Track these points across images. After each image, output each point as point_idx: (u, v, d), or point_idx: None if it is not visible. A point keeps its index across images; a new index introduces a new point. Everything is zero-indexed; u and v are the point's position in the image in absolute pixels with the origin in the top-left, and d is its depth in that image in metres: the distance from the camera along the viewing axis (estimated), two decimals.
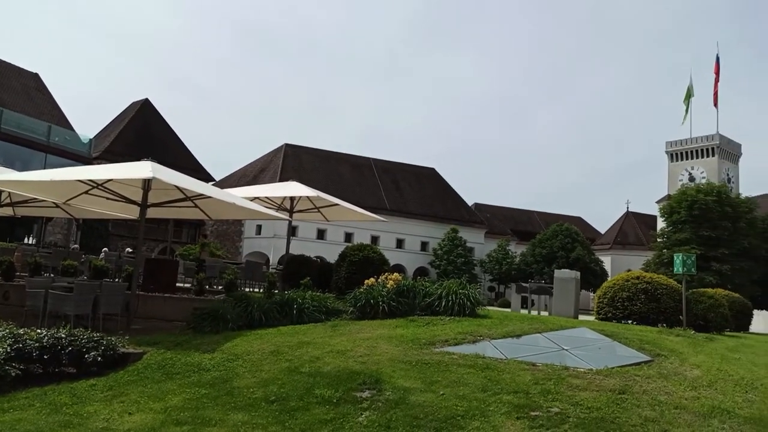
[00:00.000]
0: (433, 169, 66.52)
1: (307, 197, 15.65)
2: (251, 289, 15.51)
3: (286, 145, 58.29)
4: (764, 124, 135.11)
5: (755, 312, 41.88)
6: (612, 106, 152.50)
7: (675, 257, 14.11)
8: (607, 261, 59.85)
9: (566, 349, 8.99)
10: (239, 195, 13.93)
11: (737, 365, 8.73)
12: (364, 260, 14.00)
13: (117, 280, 14.51)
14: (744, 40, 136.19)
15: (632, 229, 66.97)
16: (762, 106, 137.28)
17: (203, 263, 17.22)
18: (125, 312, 11.03)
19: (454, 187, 65.66)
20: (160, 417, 6.31)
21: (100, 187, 11.41)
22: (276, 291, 13.26)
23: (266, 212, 13.25)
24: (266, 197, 15.67)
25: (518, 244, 62.74)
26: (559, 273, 16.72)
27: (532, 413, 5.99)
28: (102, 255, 19.68)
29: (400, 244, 57.50)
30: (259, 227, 52.10)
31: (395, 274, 12.17)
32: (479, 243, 60.64)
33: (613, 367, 7.82)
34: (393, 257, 51.30)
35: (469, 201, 67.35)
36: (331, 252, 28.06)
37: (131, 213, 12.94)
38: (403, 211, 57.80)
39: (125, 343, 8.63)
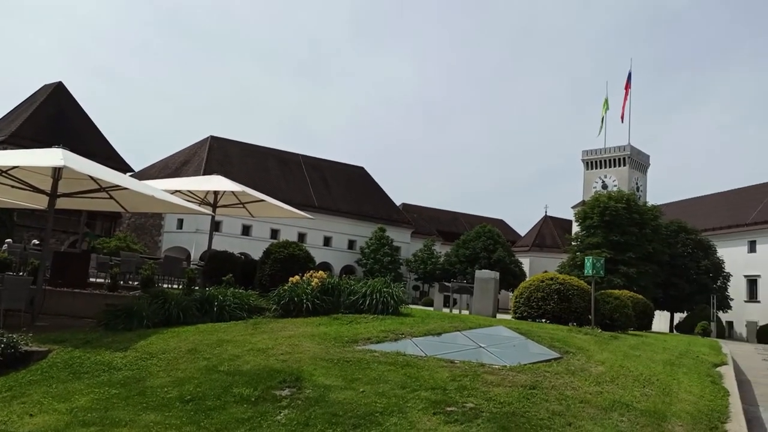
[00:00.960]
0: (362, 168, 66.79)
1: (232, 192, 15.30)
2: (169, 286, 14.96)
3: (212, 137, 56.63)
4: (670, 138, 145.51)
5: (657, 312, 45.00)
6: (536, 113, 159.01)
7: (586, 260, 14.97)
8: (526, 262, 62.43)
9: (483, 347, 9.33)
10: (159, 187, 13.41)
11: (637, 362, 9.38)
12: (289, 257, 13.88)
13: (22, 273, 13.57)
14: (656, 59, 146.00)
15: (550, 233, 70.21)
16: (667, 120, 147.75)
17: (110, 258, 16.44)
18: (30, 308, 10.35)
19: (382, 187, 66.26)
20: (64, 418, 5.98)
21: (4, 174, 10.64)
22: (196, 288, 12.88)
23: (188, 206, 12.84)
24: (188, 191, 15.18)
25: (443, 244, 64.16)
26: (479, 273, 17.29)
27: (448, 408, 6.18)
28: (5, 247, 18.31)
29: (327, 241, 57.32)
30: (181, 221, 50.31)
31: (320, 272, 12.14)
32: (406, 242, 61.52)
33: (525, 364, 8.20)
34: (320, 255, 51.07)
35: (397, 201, 68.20)
36: (256, 249, 27.53)
37: (39, 203, 12.14)
38: (331, 208, 57.64)
39: (28, 340, 8.10)
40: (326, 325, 9.96)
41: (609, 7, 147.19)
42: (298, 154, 62.12)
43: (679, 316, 44.89)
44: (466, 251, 54.78)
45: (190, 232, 48.78)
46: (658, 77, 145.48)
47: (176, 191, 14.36)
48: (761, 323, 43.76)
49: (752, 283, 49.04)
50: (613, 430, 6.02)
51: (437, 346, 9.19)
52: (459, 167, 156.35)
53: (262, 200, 15.63)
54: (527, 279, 20.38)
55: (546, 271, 19.96)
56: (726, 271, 44.12)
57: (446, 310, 18.62)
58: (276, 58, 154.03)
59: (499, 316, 16.53)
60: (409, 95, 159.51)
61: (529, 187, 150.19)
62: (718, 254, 44.27)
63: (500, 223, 76.38)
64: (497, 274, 17.45)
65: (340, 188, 61.31)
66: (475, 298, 17.15)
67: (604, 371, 8.27)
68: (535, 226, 73.40)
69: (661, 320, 47.62)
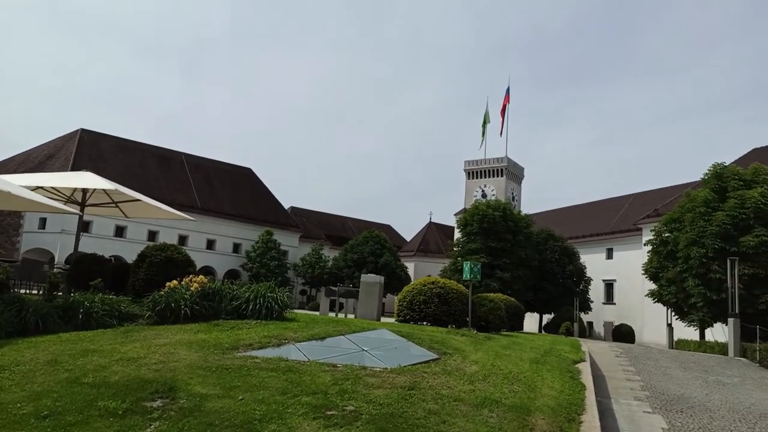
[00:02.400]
0: (249, 170, 65.09)
1: (104, 190, 14.23)
2: (28, 291, 13.57)
3: (83, 130, 52.24)
4: (542, 151, 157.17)
5: (528, 314, 48.29)
6: (424, 123, 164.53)
7: (464, 265, 15.73)
8: (411, 267, 64.34)
9: (366, 350, 9.47)
10: (18, 182, 12.13)
11: (507, 360, 10.02)
12: (166, 261, 13.18)
13: None
14: (532, 76, 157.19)
15: (434, 238, 72.92)
16: (540, 135, 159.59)
17: None
18: None
19: (270, 190, 64.99)
20: None
21: None
22: (59, 293, 11.80)
23: (50, 204, 11.73)
24: (53, 187, 13.88)
25: (332, 248, 64.26)
26: (365, 277, 17.54)
27: (329, 412, 6.20)
28: None
29: (210, 245, 55.11)
30: (44, 221, 45.89)
31: (201, 276, 11.66)
32: (293, 246, 60.79)
33: (405, 366, 8.45)
34: (202, 259, 49.00)
35: (286, 204, 67.27)
36: (131, 251, 25.78)
37: None
38: (215, 210, 55.53)
39: None
40: (205, 332, 9.58)
41: (489, 25, 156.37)
42: (180, 153, 59.18)
43: (547, 317, 48.54)
44: (354, 255, 55.30)
45: (55, 232, 44.58)
46: (534, 94, 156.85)
47: (38, 187, 13.09)
48: (616, 323, 48.61)
49: (609, 286, 54.31)
50: (483, 425, 6.38)
51: (321, 350, 9.19)
52: (350, 172, 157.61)
53: (138, 200, 14.69)
54: (411, 283, 21.02)
55: (429, 276, 20.73)
56: (587, 275, 48.43)
57: (333, 315, 18.66)
58: (159, 51, 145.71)
59: (384, 319, 16.88)
60: (300, 98, 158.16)
61: (417, 193, 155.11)
62: (581, 260, 48.49)
63: (388, 229, 78.09)
64: (382, 278, 17.81)
65: (226, 189, 59.25)
66: (360, 302, 17.37)
67: (477, 370, 8.74)
68: (420, 231, 75.86)
69: (531, 321, 51.23)
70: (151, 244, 16.28)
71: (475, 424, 6.35)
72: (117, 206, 15.24)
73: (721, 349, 21.91)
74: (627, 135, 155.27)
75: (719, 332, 26.15)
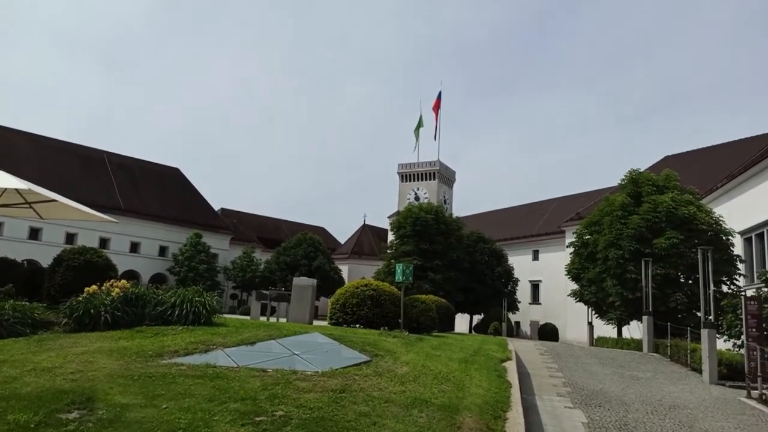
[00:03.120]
0: (177, 170, 62.91)
1: (16, 190, 13.30)
2: None
3: None
4: (473, 156, 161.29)
5: (458, 315, 49.26)
6: (359, 125, 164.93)
7: (396, 267, 15.90)
8: (345, 269, 64.22)
9: (297, 354, 9.38)
10: None
11: (438, 361, 10.21)
12: (85, 265, 12.55)
13: None
14: (465, 83, 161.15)
15: (368, 241, 73.15)
16: (471, 141, 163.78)
17: None
18: None
19: (200, 191, 63.07)
20: None
21: None
22: None
23: None
24: None
25: (264, 251, 63.12)
26: (297, 280, 17.37)
27: (257, 418, 6.09)
28: None
29: (134, 248, 52.79)
30: None
31: (123, 281, 11.15)
32: (224, 249, 59.28)
33: (337, 368, 8.44)
34: (125, 262, 46.89)
35: (216, 206, 65.50)
36: (46, 255, 24.26)
37: None
38: (140, 212, 53.24)
39: None
40: (128, 339, 9.17)
41: (418, 32, 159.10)
42: (102, 151, 56.36)
43: (477, 318, 49.79)
44: (287, 258, 54.58)
45: None
46: (467, 100, 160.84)
47: None
48: (542, 322, 50.58)
49: (535, 287, 56.43)
50: (413, 425, 6.47)
51: (251, 355, 9.01)
52: (283, 173, 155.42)
53: (54, 200, 13.82)
54: (344, 286, 21.00)
55: (363, 278, 20.77)
56: (515, 276, 50.10)
57: (264, 319, 18.34)
58: (79, 45, 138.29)
59: (317, 322, 16.77)
60: (232, 97, 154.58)
61: (351, 196, 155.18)
62: (510, 262, 50.10)
63: (321, 231, 77.62)
64: (314, 281, 17.69)
65: (151, 190, 56.93)
66: (292, 306, 17.18)
67: (408, 371, 8.85)
68: (354, 234, 75.88)
69: (462, 322, 52.41)
70: (68, 247, 15.40)
71: (405, 424, 6.43)
72: (31, 207, 14.28)
73: (636, 345, 23.24)
74: (553, 141, 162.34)
75: (635, 329, 27.74)
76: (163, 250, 54.69)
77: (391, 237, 48.43)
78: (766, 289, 16.64)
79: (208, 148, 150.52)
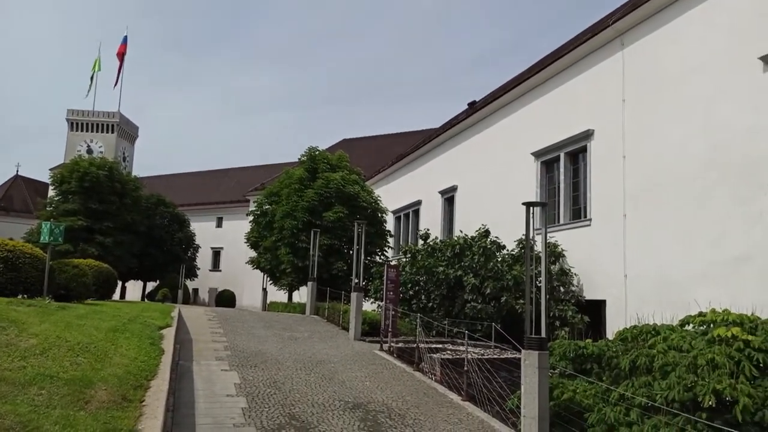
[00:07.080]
0: None
1: None
2: None
3: None
4: (160, 114, 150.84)
5: (132, 282, 45.83)
6: (23, 57, 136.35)
7: (42, 226, 13.66)
8: None
9: None
10: None
11: (80, 331, 9.07)
12: None
13: None
14: (153, 34, 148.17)
15: (21, 195, 61.69)
16: (160, 97, 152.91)
17: None
18: None
19: None
20: None
21: None
22: None
23: None
24: None
25: None
26: None
27: None
28: None
29: None
30: None
31: None
32: None
33: None
34: None
35: None
36: None
37: None
38: None
39: None
40: None
41: None
42: None
43: (152, 285, 46.97)
44: None
45: None
46: (155, 53, 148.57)
47: None
48: (220, 289, 50.69)
49: (217, 254, 56.20)
50: (27, 405, 5.55)
51: None
52: None
53: None
54: None
55: (11, 238, 17.15)
56: (197, 243, 48.86)
57: None
58: None
59: None
60: None
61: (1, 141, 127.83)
62: (192, 228, 48.56)
63: None
64: None
65: None
66: None
67: (36, 344, 7.61)
68: (2, 185, 62.99)
69: (135, 289, 48.79)
70: None
71: (15, 405, 5.47)
72: None
73: (302, 309, 25.14)
74: (245, 111, 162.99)
75: (304, 295, 30.04)
76: None
77: (51, 193, 41.66)
78: (404, 259, 19.84)
79: None
